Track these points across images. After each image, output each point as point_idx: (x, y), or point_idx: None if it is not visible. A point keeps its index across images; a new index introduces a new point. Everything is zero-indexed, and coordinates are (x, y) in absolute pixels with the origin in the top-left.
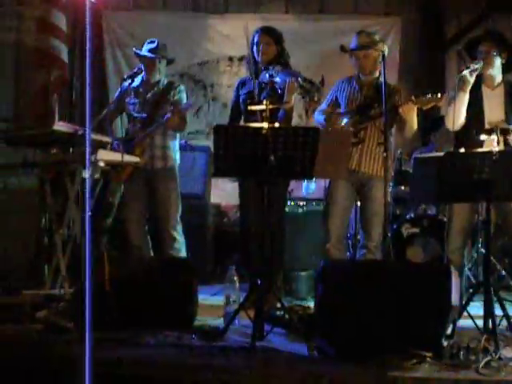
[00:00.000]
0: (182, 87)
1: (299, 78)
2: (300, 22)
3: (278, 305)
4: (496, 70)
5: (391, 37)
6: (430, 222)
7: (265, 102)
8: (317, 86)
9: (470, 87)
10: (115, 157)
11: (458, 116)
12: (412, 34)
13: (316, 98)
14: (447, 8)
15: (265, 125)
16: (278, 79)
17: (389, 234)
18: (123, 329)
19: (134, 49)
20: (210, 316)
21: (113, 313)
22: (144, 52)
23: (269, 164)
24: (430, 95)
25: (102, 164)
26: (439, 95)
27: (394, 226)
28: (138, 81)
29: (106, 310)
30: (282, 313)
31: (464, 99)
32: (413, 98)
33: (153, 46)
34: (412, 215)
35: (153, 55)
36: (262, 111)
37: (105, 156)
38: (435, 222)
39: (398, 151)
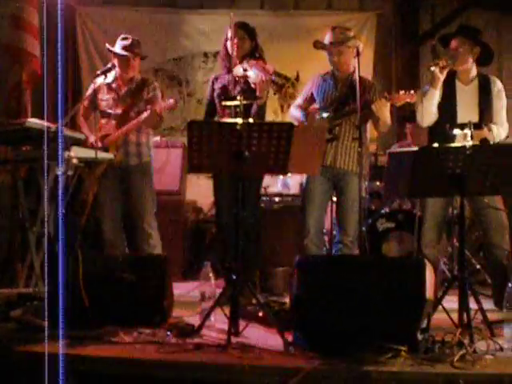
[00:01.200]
0: (157, 84)
1: (272, 75)
2: (275, 17)
3: (254, 301)
4: (469, 65)
5: (366, 32)
6: (405, 216)
7: (238, 98)
8: (291, 81)
9: (440, 83)
10: (89, 153)
11: (427, 112)
12: (387, 29)
13: (290, 93)
14: (422, 3)
15: (239, 120)
16: (251, 73)
17: (364, 229)
18: (98, 326)
19: (107, 45)
20: (186, 313)
21: (87, 311)
22: (117, 49)
23: (243, 159)
24: (403, 92)
25: (75, 161)
26: (412, 92)
27: (370, 221)
28: (111, 77)
29: (80, 308)
30: (258, 309)
31: (434, 95)
32: (386, 94)
33: (126, 42)
34: (387, 210)
35: (126, 53)
36: (235, 106)
37: (78, 153)
38: (410, 216)
39: (374, 146)
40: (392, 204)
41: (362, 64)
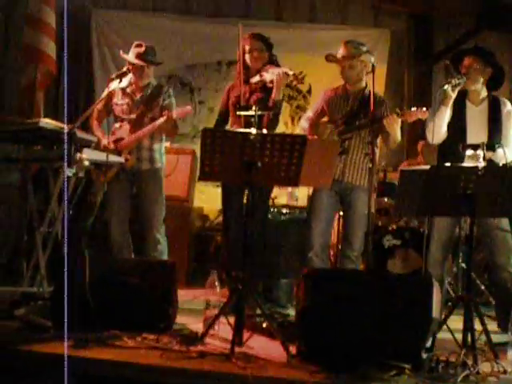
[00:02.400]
0: (171, 91)
1: (287, 70)
2: (290, 30)
3: (259, 311)
4: (480, 86)
5: (379, 48)
6: (412, 234)
7: (253, 108)
8: (303, 93)
9: (451, 102)
10: (100, 156)
11: (437, 130)
12: (400, 46)
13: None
14: (437, 22)
15: (253, 130)
16: (267, 74)
17: (370, 245)
18: (102, 329)
19: (121, 52)
20: (190, 320)
21: (92, 313)
22: (131, 58)
23: (255, 170)
24: (415, 109)
25: (86, 163)
26: (424, 109)
27: (376, 237)
28: (126, 81)
29: (85, 311)
30: (262, 319)
31: (445, 113)
32: (398, 110)
33: (140, 50)
34: (394, 227)
35: (140, 62)
36: (250, 116)
37: (90, 155)
38: (417, 234)
39: (383, 163)
40: (399, 221)
41: (375, 79)
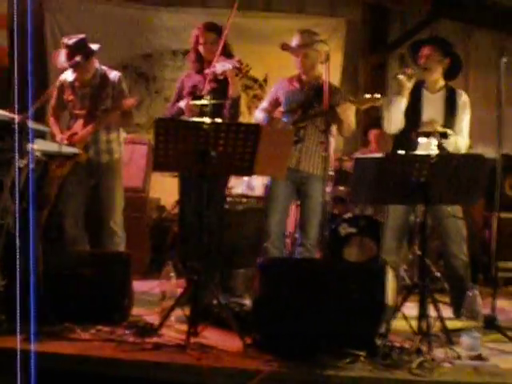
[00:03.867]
0: (119, 77)
1: (236, 63)
2: (245, 18)
3: (215, 301)
4: (437, 75)
5: (335, 38)
6: (368, 222)
7: (206, 97)
8: (259, 82)
9: (407, 91)
10: (53, 147)
11: (394, 119)
12: (356, 35)
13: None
14: (392, 11)
15: (206, 120)
16: (218, 66)
17: (326, 233)
18: (56, 322)
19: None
20: (146, 311)
21: (45, 306)
22: (63, 62)
23: (209, 159)
24: (368, 96)
25: (38, 154)
26: (377, 96)
27: (332, 226)
28: (72, 75)
29: (38, 303)
30: (218, 310)
31: (400, 103)
32: (351, 97)
33: (69, 49)
34: (350, 215)
35: (73, 63)
36: (203, 106)
37: (42, 146)
38: (372, 222)
39: (338, 152)
40: (355, 209)
41: (330, 69)
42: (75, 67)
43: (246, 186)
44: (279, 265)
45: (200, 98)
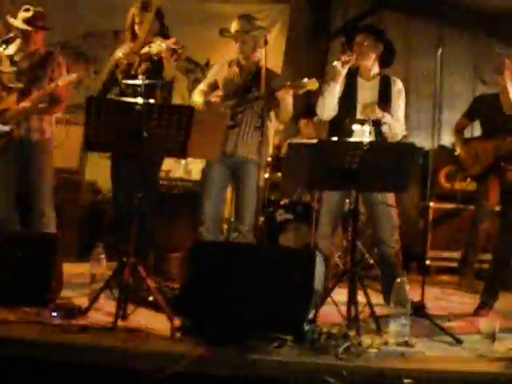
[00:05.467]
0: (61, 59)
1: (171, 43)
2: (188, 3)
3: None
4: (371, 62)
5: (278, 24)
6: (304, 208)
7: (140, 77)
8: (201, 66)
9: (341, 78)
10: None
11: (328, 106)
12: (299, 22)
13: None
14: (336, 0)
15: (139, 100)
16: (153, 47)
17: (262, 219)
18: None
19: (7, 17)
20: (75, 294)
21: None
22: (18, 23)
23: (141, 140)
24: (305, 80)
25: None
26: (314, 80)
27: (269, 212)
28: (13, 48)
29: None
30: (149, 293)
31: (334, 90)
32: (288, 82)
33: (28, 15)
34: (286, 201)
35: (27, 27)
36: (137, 86)
37: None
38: (308, 208)
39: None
40: (292, 196)
41: (273, 55)
42: (27, 35)
43: (184, 169)
44: (209, 249)
45: (135, 77)
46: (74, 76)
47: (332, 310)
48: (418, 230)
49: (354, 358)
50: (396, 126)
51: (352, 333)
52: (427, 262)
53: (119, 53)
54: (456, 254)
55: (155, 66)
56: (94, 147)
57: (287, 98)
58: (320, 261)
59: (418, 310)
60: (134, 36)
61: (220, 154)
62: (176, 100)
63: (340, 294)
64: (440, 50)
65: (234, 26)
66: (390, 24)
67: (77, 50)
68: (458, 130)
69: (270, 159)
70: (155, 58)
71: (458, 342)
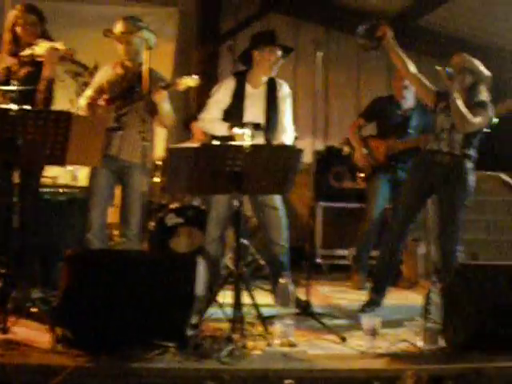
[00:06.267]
0: None
1: (56, 44)
2: (74, 4)
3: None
4: (258, 70)
5: (168, 27)
6: (195, 212)
7: (14, 83)
8: (90, 70)
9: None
10: None
11: (209, 110)
12: (189, 25)
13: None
14: (225, 3)
15: (13, 106)
16: (37, 49)
17: (153, 224)
18: None
19: None
20: None
21: None
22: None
23: (16, 148)
24: (184, 77)
25: None
26: (194, 77)
27: (158, 216)
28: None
29: None
30: (31, 304)
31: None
32: (162, 83)
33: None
34: (177, 205)
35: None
36: (12, 92)
37: None
38: (199, 212)
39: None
40: (182, 200)
41: (162, 58)
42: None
43: (71, 176)
44: (87, 256)
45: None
46: None
47: (219, 313)
48: (310, 230)
49: (237, 361)
50: (285, 139)
51: (236, 335)
52: (318, 261)
53: None
54: (347, 252)
55: (37, 69)
56: None
57: (163, 100)
58: (203, 265)
59: (305, 309)
60: (15, 38)
61: (101, 159)
62: (64, 104)
63: (229, 297)
64: (320, 53)
65: (118, 28)
66: (279, 27)
67: None
68: (354, 130)
69: (160, 163)
70: (38, 59)
71: (342, 339)
